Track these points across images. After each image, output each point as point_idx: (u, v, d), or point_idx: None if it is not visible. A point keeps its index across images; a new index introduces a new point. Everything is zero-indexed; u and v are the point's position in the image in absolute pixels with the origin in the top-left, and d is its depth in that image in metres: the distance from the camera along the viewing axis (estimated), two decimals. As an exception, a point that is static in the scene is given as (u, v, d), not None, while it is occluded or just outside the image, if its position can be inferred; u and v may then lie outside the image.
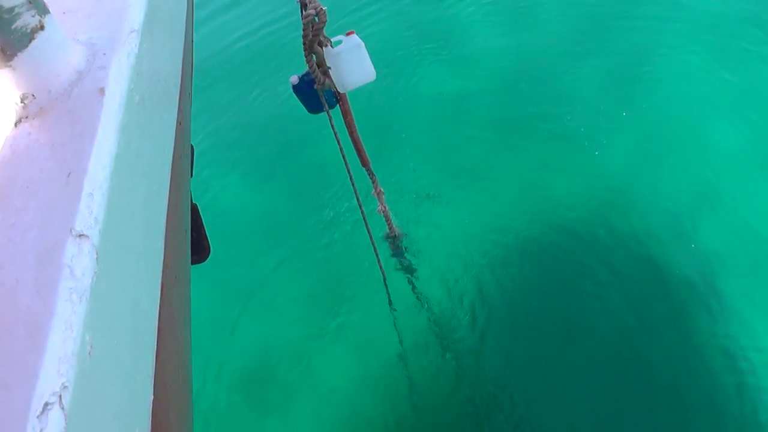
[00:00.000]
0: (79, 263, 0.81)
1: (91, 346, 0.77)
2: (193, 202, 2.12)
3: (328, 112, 2.84)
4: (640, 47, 5.57)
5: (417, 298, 4.08)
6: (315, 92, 2.71)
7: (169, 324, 1.19)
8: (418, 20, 6.42)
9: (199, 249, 2.11)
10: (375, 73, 2.66)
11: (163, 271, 1.18)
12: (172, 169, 1.35)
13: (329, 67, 2.60)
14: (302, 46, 2.51)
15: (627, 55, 5.52)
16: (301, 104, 2.85)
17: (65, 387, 0.69)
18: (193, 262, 2.08)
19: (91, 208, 0.87)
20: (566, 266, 4.06)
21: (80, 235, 0.83)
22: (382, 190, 3.56)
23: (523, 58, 5.75)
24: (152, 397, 1.05)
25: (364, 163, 3.32)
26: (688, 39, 5.51)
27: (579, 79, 5.40)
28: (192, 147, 2.15)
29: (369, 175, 3.42)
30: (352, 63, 2.58)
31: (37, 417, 0.65)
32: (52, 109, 1.03)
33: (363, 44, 2.58)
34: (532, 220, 4.36)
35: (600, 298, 3.88)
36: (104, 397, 0.81)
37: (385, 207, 3.67)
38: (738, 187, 4.29)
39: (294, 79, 2.68)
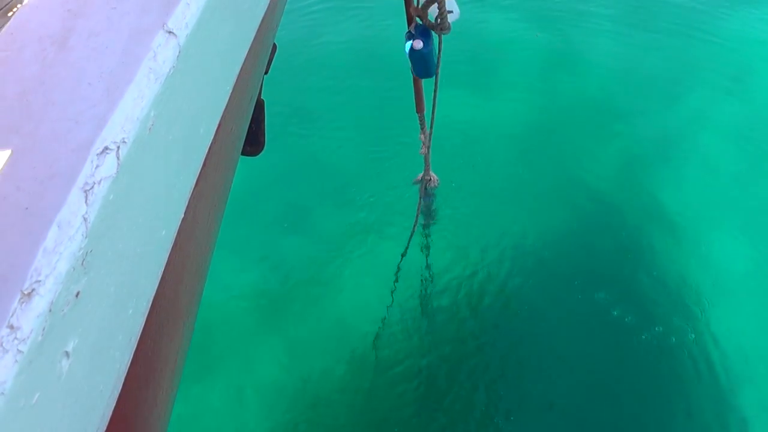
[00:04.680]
0: (163, 52, 0.87)
1: (153, 124, 0.81)
2: (262, 98, 2.15)
3: (437, 72, 2.97)
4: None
5: (426, 246, 4.21)
6: (432, 52, 2.86)
7: (218, 156, 1.22)
8: None
9: (255, 142, 2.17)
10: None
11: (225, 110, 1.20)
12: (259, 26, 1.38)
13: (450, 11, 2.76)
14: None
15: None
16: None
17: (124, 141, 0.76)
18: (246, 154, 2.14)
19: (185, 15, 0.92)
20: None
21: (170, 32, 0.89)
22: (430, 132, 3.58)
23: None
24: (182, 216, 1.08)
25: (421, 110, 3.46)
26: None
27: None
28: (275, 45, 2.16)
29: (421, 120, 3.48)
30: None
31: (97, 155, 0.72)
32: None
33: None
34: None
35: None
36: (150, 176, 0.86)
37: (428, 150, 3.67)
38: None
39: (418, 43, 2.77)
